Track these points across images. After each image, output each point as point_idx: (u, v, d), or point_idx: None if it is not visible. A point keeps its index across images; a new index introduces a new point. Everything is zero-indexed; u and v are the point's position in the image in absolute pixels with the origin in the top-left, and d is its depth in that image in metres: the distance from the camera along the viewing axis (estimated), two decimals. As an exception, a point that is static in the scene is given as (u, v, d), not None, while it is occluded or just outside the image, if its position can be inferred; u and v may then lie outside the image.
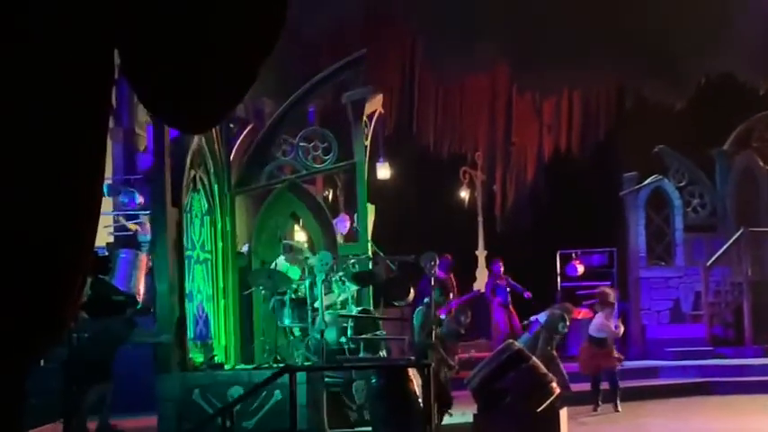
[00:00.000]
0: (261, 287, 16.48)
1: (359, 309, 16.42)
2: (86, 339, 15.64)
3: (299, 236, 18.49)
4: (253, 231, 17.57)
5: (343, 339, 15.92)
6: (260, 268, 16.99)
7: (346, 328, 16.11)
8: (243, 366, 16.12)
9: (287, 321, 16.10)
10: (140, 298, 18.86)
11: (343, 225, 19.09)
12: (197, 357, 16.21)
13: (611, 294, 18.84)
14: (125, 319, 15.55)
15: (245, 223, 17.97)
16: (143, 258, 18.77)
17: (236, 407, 13.51)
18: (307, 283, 16.00)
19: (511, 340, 16.90)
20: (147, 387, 16.04)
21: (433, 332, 15.38)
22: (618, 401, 17.74)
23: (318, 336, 15.84)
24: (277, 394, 14.88)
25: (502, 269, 23.30)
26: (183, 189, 16.11)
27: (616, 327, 18.03)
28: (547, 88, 24.03)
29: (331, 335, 16.01)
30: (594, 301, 19.62)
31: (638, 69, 22.61)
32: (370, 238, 18.43)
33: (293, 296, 16.12)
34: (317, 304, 16.02)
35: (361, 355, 16.12)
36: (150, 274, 19.23)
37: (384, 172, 19.08)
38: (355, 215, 18.54)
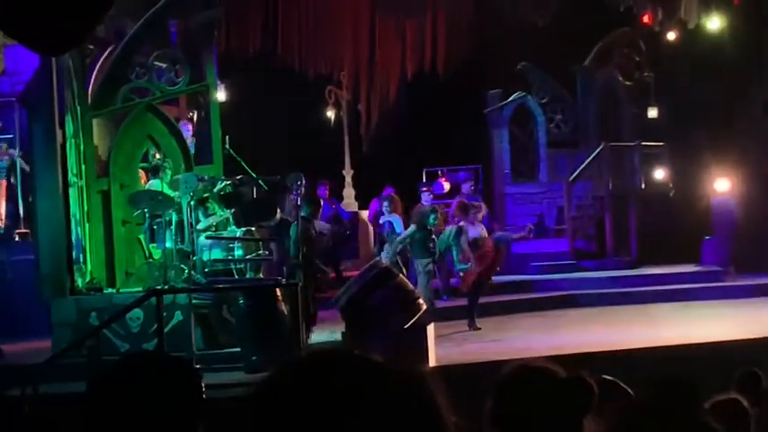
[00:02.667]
0: (144, 209, 16.26)
1: (243, 230, 16.34)
2: None
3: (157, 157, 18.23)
4: (110, 154, 17.33)
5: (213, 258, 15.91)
6: (142, 190, 16.81)
7: (232, 248, 16.07)
8: (136, 289, 15.95)
9: (168, 244, 15.94)
10: (1, 224, 18.59)
11: (185, 128, 18.91)
12: (77, 281, 16.06)
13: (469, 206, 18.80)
14: None
15: (104, 146, 17.72)
16: (2, 183, 18.48)
17: (103, 329, 13.51)
18: (184, 204, 15.86)
19: (378, 258, 17.04)
20: (30, 312, 16.02)
21: (301, 252, 15.44)
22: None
23: (203, 257, 15.79)
24: (177, 315, 14.84)
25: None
26: (64, 111, 15.93)
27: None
28: (410, 7, 23.99)
29: (215, 256, 15.97)
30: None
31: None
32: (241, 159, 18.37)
33: (176, 218, 15.97)
34: (200, 226, 15.95)
35: (248, 276, 16.13)
36: (9, 199, 18.93)
37: (221, 95, 19.09)
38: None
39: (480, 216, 18.09)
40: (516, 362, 3.82)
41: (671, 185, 25.26)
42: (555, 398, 3.62)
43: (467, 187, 22.42)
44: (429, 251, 17.59)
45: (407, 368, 2.13)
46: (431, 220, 17.72)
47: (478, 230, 17.77)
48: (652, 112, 26.17)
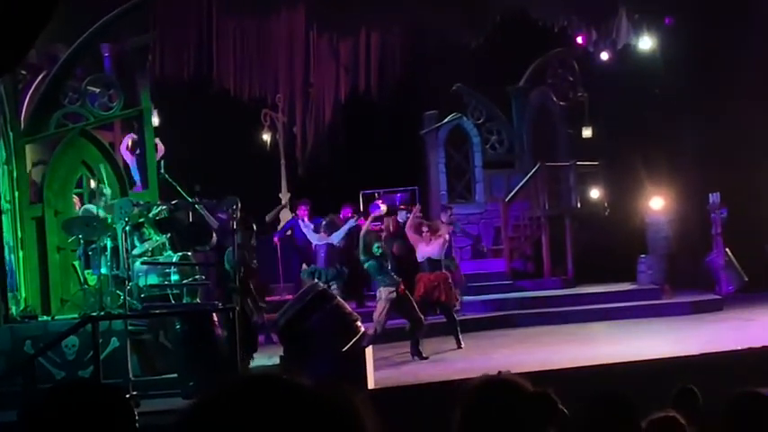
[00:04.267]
0: (79, 235, 16.08)
1: (179, 255, 16.23)
2: None
3: (91, 184, 18.05)
4: (43, 180, 17.15)
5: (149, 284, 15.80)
6: (76, 216, 16.64)
7: (168, 274, 15.96)
8: (71, 316, 15.76)
9: (104, 270, 15.77)
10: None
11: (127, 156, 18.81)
12: (11, 309, 15.87)
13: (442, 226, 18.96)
14: None
15: (38, 172, 17.54)
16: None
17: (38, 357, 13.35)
18: (119, 229, 15.72)
19: (316, 281, 16.97)
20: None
21: (238, 276, 15.37)
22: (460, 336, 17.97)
23: (139, 283, 15.66)
24: (113, 342, 14.70)
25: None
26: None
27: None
28: (344, 29, 24.01)
29: (151, 282, 15.84)
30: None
31: (432, 8, 22.76)
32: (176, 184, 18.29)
33: (111, 244, 15.80)
34: (135, 251, 15.83)
35: (185, 301, 16.02)
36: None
37: (155, 119, 19.12)
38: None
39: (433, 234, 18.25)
40: (484, 375, 3.83)
41: (606, 205, 25.43)
42: (522, 411, 3.64)
43: (402, 216, 22.16)
44: (391, 277, 17.28)
45: (337, 393, 2.12)
46: (374, 249, 17.36)
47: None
48: (586, 132, 26.35)
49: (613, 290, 22.89)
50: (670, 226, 23.83)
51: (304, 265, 20.77)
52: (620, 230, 24.36)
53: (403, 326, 17.60)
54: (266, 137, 26.80)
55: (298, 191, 26.03)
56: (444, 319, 18.23)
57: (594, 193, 25.36)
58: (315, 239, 19.94)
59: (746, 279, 23.34)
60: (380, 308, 17.02)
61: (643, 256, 23.54)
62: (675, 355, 15.21)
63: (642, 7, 24.11)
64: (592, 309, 21.44)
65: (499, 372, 3.85)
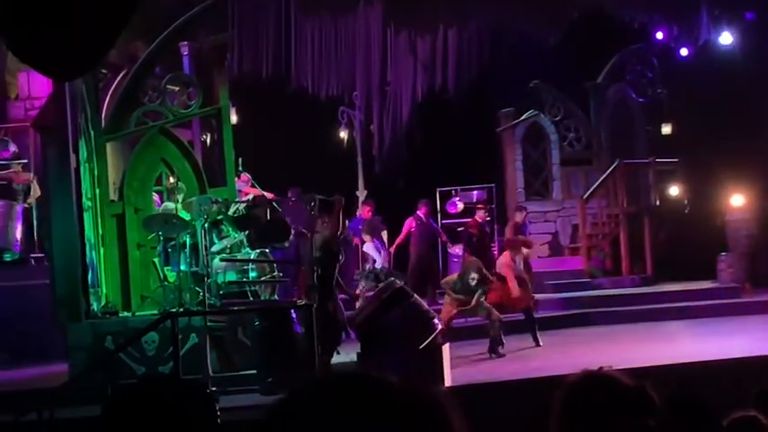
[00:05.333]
0: (159, 232, 16.25)
1: (257, 252, 16.32)
2: None
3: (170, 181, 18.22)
4: (123, 178, 17.31)
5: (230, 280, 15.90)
6: (156, 214, 16.81)
7: (246, 270, 16.05)
8: (151, 312, 15.92)
9: (183, 267, 15.92)
10: (17, 249, 18.61)
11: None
12: (93, 305, 16.06)
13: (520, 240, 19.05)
14: None
15: (118, 170, 17.71)
16: (18, 209, 18.50)
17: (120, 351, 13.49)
18: (198, 226, 15.85)
19: (392, 278, 16.95)
20: (46, 336, 16.10)
21: (315, 272, 15.37)
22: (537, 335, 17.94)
23: (218, 280, 15.77)
24: (193, 338, 14.82)
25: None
26: (78, 136, 15.97)
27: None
28: (421, 26, 24.00)
29: (229, 278, 15.94)
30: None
31: (510, 4, 22.70)
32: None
33: (190, 241, 15.95)
34: (214, 248, 15.95)
35: (263, 298, 16.09)
36: (26, 223, 18.95)
37: (234, 117, 19.23)
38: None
39: None
40: (585, 369, 3.85)
41: (686, 202, 25.20)
42: (622, 405, 3.65)
43: (480, 214, 22.38)
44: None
45: (424, 389, 2.11)
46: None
47: None
48: (665, 129, 26.15)
49: (693, 288, 22.66)
50: (751, 223, 23.53)
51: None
52: (700, 228, 24.12)
53: (480, 324, 17.61)
54: (343, 135, 26.87)
55: (374, 189, 26.07)
56: (522, 317, 18.18)
57: (674, 191, 25.16)
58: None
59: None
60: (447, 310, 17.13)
61: (724, 253, 23.27)
62: (757, 355, 15.01)
63: (723, 2, 23.86)
64: (671, 307, 21.26)
65: (600, 367, 3.86)
